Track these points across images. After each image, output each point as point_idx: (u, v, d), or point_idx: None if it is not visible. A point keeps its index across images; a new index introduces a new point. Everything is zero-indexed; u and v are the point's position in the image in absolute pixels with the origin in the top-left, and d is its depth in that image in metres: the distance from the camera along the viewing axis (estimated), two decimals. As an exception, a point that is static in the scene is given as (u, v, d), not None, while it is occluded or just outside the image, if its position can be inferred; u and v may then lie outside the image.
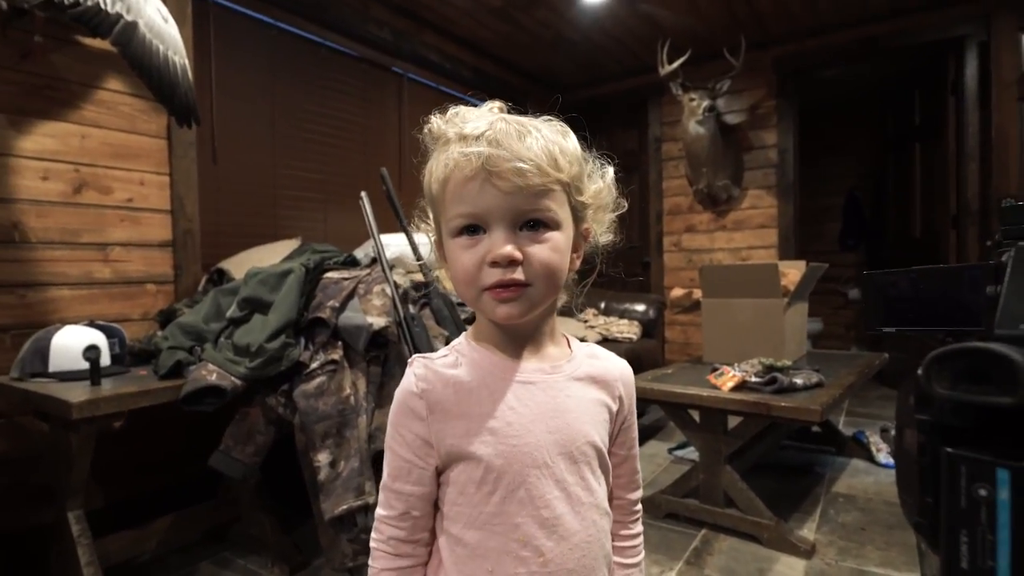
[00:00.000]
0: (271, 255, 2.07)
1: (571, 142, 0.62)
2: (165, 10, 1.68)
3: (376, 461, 1.44)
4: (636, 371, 2.43)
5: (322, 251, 1.80)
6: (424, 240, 2.55)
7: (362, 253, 1.98)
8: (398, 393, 0.63)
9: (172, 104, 1.69)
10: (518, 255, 0.56)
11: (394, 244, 1.99)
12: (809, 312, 2.73)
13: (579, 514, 0.62)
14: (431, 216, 0.64)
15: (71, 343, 1.53)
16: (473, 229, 0.58)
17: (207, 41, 2.31)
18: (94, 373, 1.42)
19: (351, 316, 1.46)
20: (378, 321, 1.46)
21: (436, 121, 0.61)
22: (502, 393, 0.62)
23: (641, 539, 0.74)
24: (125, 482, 1.94)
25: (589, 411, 0.64)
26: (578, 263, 0.65)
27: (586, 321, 3.18)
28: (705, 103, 3.39)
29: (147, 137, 2.07)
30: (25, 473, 1.73)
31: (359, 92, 2.97)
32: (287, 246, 2.19)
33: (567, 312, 3.38)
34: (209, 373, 1.42)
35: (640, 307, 3.31)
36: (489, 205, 0.56)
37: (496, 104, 0.63)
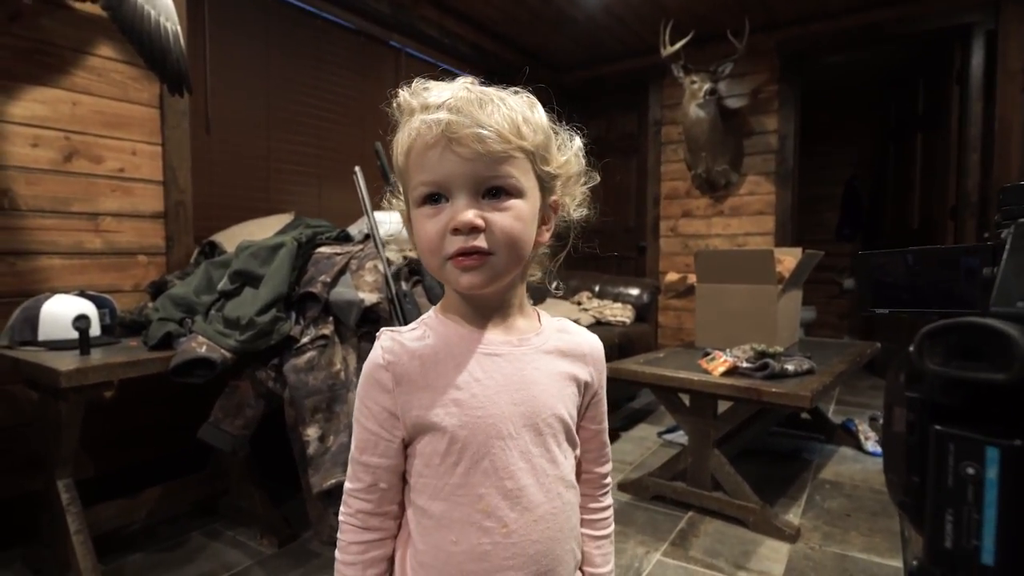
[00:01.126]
0: (264, 229, 2.05)
1: (537, 112, 0.61)
2: (157, -26, 1.64)
3: (366, 437, 1.44)
4: (628, 355, 2.44)
5: (315, 226, 1.78)
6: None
7: (356, 229, 1.97)
8: (365, 366, 0.64)
9: (163, 71, 1.66)
10: (479, 222, 0.56)
11: (388, 221, 1.97)
12: (803, 300, 2.73)
13: (544, 486, 0.62)
14: (402, 190, 0.64)
15: (61, 312, 1.52)
16: (436, 198, 0.58)
17: (201, 9, 2.26)
18: (83, 343, 1.41)
19: (342, 291, 1.45)
20: (370, 297, 1.45)
21: (403, 94, 0.60)
22: (467, 365, 0.62)
23: (611, 512, 0.75)
24: (115, 452, 1.94)
25: (556, 384, 0.64)
26: (547, 235, 0.64)
27: (579, 304, 3.17)
28: (706, 86, 3.35)
29: (139, 106, 2.03)
30: (16, 441, 1.72)
31: (355, 66, 2.92)
32: (280, 220, 2.17)
33: (565, 296, 3.35)
34: (199, 345, 1.41)
35: (634, 291, 3.30)
36: (450, 172, 0.56)
37: (469, 79, 0.61)
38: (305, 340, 1.41)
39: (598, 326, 2.92)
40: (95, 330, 1.55)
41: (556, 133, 0.64)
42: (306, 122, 2.71)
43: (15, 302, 1.65)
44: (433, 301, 1.62)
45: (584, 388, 0.67)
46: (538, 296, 3.22)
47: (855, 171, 5.06)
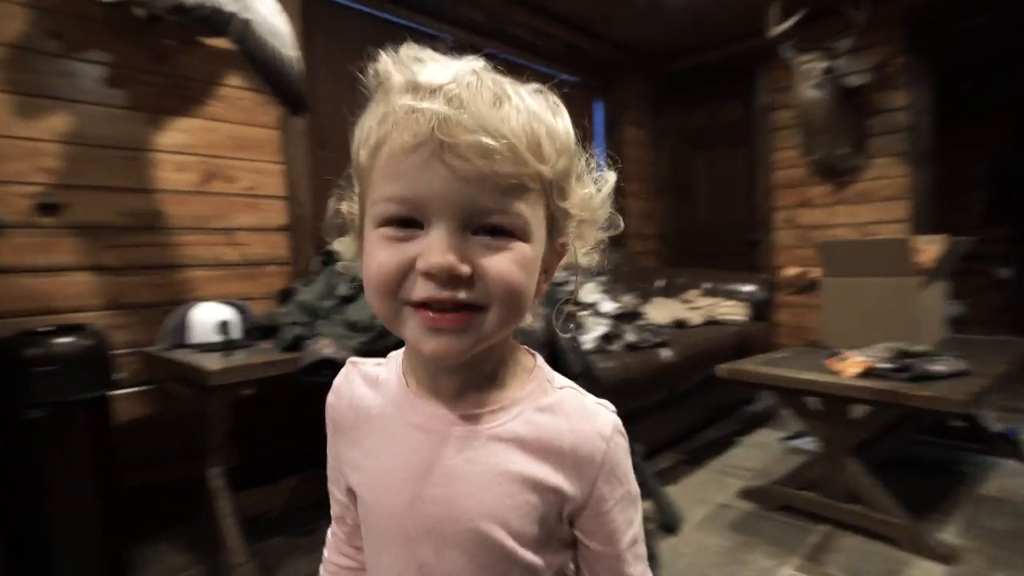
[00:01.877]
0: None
1: (562, 122, 0.45)
2: (276, 6, 1.77)
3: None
4: (745, 355, 2.30)
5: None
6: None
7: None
8: None
9: (284, 96, 1.78)
10: (464, 269, 0.40)
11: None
12: (949, 294, 2.44)
13: None
14: (356, 190, 0.47)
15: (206, 318, 1.68)
16: (405, 222, 0.42)
17: (311, 34, 2.42)
18: (226, 345, 1.55)
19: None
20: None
21: (385, 59, 0.44)
22: (387, 431, 0.49)
23: None
24: (258, 444, 2.11)
25: (497, 486, 0.46)
26: (545, 287, 0.48)
27: (688, 302, 3.04)
28: (822, 65, 3.10)
29: (264, 128, 2.21)
30: (174, 432, 1.92)
31: (457, 75, 3.00)
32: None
33: (667, 292, 3.23)
34: (324, 347, 1.50)
35: (748, 287, 3.12)
36: (434, 190, 0.40)
37: (481, 63, 0.44)
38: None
39: (711, 325, 2.78)
40: (235, 333, 1.70)
41: (579, 155, 0.48)
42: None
43: (167, 310, 1.85)
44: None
45: (561, 499, 0.47)
46: (645, 294, 3.13)
47: (1006, 146, 4.46)
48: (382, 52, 0.45)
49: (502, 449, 0.47)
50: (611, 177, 0.51)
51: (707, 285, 3.22)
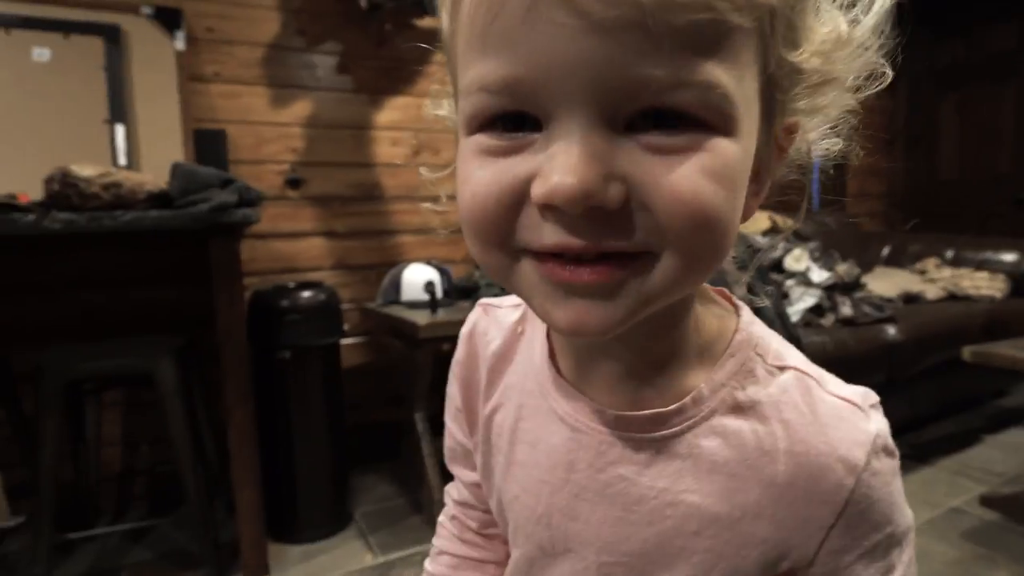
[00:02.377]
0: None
1: None
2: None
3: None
4: (998, 337, 1.90)
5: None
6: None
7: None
8: None
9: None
10: (612, 195, 0.24)
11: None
12: None
13: None
14: (451, 83, 0.32)
15: (415, 278, 1.86)
16: (513, 119, 0.26)
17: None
18: (432, 303, 1.71)
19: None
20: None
21: None
22: (530, 413, 0.37)
23: None
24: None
25: (663, 522, 0.32)
26: (760, 200, 0.32)
27: (923, 272, 2.59)
28: None
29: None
30: (386, 380, 2.19)
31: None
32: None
33: (894, 261, 2.80)
34: (517, 308, 1.57)
35: (1009, 256, 2.55)
36: (555, 57, 0.23)
37: None
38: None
39: (952, 301, 2.34)
40: (439, 293, 1.86)
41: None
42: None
43: (383, 271, 2.08)
44: (741, 268, 1.50)
45: (770, 551, 0.32)
46: (865, 263, 2.74)
47: None
48: None
49: (676, 470, 0.32)
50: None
51: (949, 253, 2.71)
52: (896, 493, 0.33)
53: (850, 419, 0.33)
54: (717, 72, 0.24)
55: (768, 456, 0.32)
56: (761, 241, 2.10)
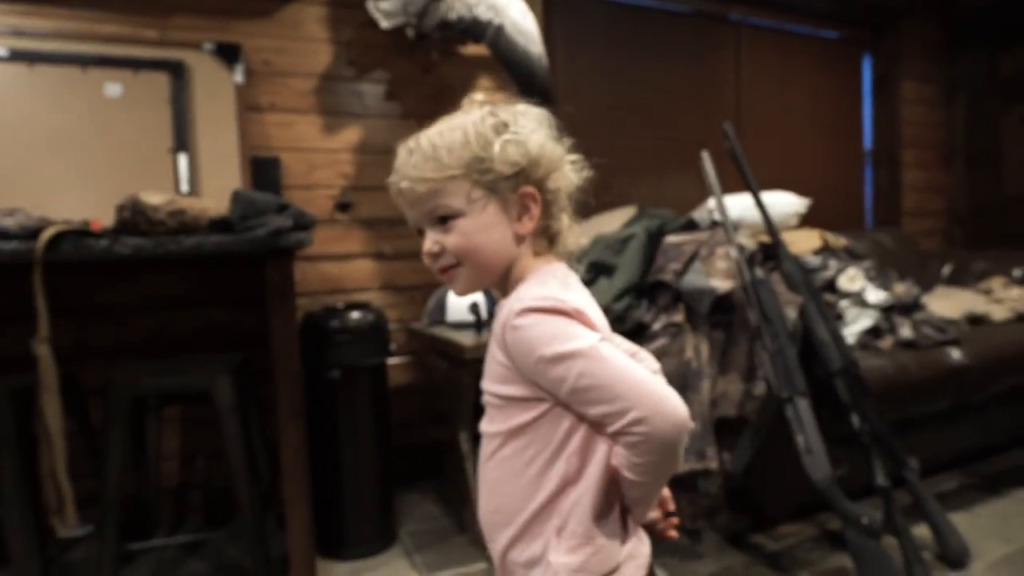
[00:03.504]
0: (610, 223, 2.17)
1: (467, 133, 0.64)
2: (525, 7, 1.88)
3: (718, 427, 1.38)
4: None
5: (660, 216, 1.80)
6: (773, 199, 2.32)
7: (698, 216, 1.91)
8: None
9: (532, 90, 1.89)
10: (435, 248, 0.66)
11: (735, 205, 1.86)
12: None
13: (480, 459, 0.70)
14: None
15: (460, 300, 1.88)
16: (419, 231, 0.69)
17: (553, 27, 2.52)
18: (478, 323, 1.72)
19: (693, 279, 1.42)
20: (722, 285, 1.39)
21: None
22: None
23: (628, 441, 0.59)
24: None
25: (491, 359, 0.67)
26: (531, 225, 0.66)
27: (989, 292, 2.46)
28: None
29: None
30: (431, 399, 2.21)
31: (692, 50, 2.85)
32: (625, 213, 2.26)
33: (957, 280, 2.68)
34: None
35: (1085, 276, 2.40)
36: (410, 217, 0.68)
37: (476, 98, 0.73)
38: (657, 327, 1.43)
39: (1021, 322, 2.21)
40: (483, 315, 1.87)
41: (495, 136, 0.65)
42: (645, 116, 2.77)
43: (428, 291, 2.12)
44: (793, 288, 1.46)
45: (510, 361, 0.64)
46: (925, 283, 2.63)
47: None
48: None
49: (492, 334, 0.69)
50: (522, 134, 0.66)
51: (1016, 272, 2.57)
52: (533, 328, 0.60)
53: (517, 300, 0.63)
54: (446, 200, 0.65)
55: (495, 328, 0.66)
56: (812, 261, 2.04)
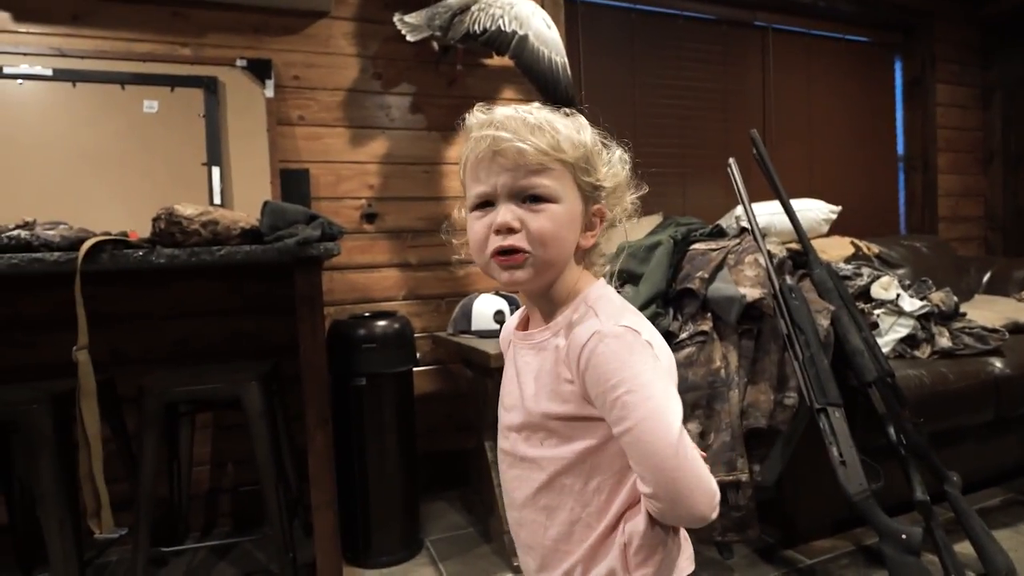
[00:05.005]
0: (636, 231, 2.15)
1: (583, 133, 0.66)
2: (548, 17, 1.89)
3: (748, 437, 1.36)
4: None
5: (686, 223, 1.78)
6: (802, 206, 2.28)
7: (726, 223, 1.89)
8: None
9: (555, 99, 1.90)
10: (516, 224, 0.62)
11: (763, 212, 1.83)
12: None
13: (522, 482, 0.68)
14: (465, 197, 0.70)
15: (485, 308, 1.89)
16: (484, 203, 0.64)
17: (576, 36, 2.53)
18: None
19: (721, 287, 1.40)
20: (751, 292, 1.36)
21: (467, 116, 0.67)
22: (509, 349, 0.75)
23: (629, 540, 0.62)
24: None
25: (542, 376, 0.66)
26: (592, 240, 0.67)
27: (1022, 299, 2.37)
28: None
29: (532, 133, 2.38)
30: (456, 407, 2.22)
31: (717, 56, 2.83)
32: (650, 222, 2.24)
33: (997, 288, 2.59)
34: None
35: None
36: (495, 181, 0.62)
37: (537, 104, 0.68)
38: (683, 336, 1.42)
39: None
40: (508, 323, 1.88)
41: (604, 150, 0.68)
42: (671, 123, 2.76)
43: (453, 300, 2.13)
44: (824, 295, 1.43)
45: (577, 385, 0.63)
46: (963, 291, 2.55)
47: None
48: (467, 113, 0.67)
49: (534, 353, 0.69)
50: (619, 152, 0.70)
51: (1061, 280, 2.47)
52: (612, 359, 0.59)
53: (590, 325, 0.62)
54: (548, 182, 0.63)
55: (570, 339, 0.63)
56: (845, 269, 2.00)
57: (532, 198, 0.62)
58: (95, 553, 1.65)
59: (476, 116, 0.66)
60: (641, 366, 0.58)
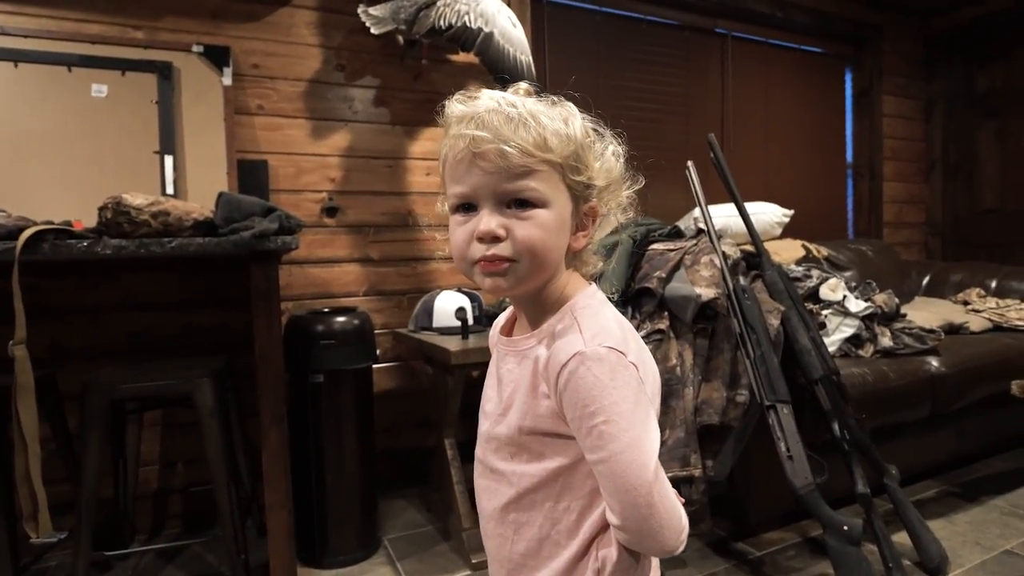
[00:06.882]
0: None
1: (571, 125, 0.60)
2: (514, 16, 1.89)
3: (701, 434, 1.39)
4: (1053, 372, 1.82)
5: (646, 224, 1.81)
6: (756, 209, 2.36)
7: (684, 225, 1.93)
8: None
9: (517, 97, 1.90)
10: (500, 232, 0.57)
11: (720, 214, 1.88)
12: None
13: (492, 494, 0.66)
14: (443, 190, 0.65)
15: (447, 305, 1.88)
16: (466, 207, 0.59)
17: (542, 35, 2.54)
18: (464, 329, 1.72)
19: (678, 287, 1.43)
20: (706, 292, 1.40)
21: (448, 103, 0.61)
22: (494, 351, 0.71)
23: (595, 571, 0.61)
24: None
25: (519, 388, 0.63)
26: (584, 241, 0.63)
27: (967, 303, 2.51)
28: None
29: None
30: (416, 404, 2.20)
31: (679, 61, 2.89)
32: (610, 221, 2.27)
33: (935, 291, 2.73)
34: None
35: (1058, 288, 2.46)
36: (476, 184, 0.57)
37: (523, 87, 0.62)
38: (641, 334, 1.44)
39: (998, 332, 2.26)
40: (470, 320, 1.87)
41: (595, 141, 0.63)
42: (633, 125, 2.79)
43: (415, 297, 2.11)
44: (775, 296, 1.48)
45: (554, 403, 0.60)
46: (904, 293, 2.68)
47: None
48: (448, 98, 0.61)
49: (517, 362, 0.65)
50: (613, 146, 0.65)
51: (992, 283, 2.62)
52: (592, 384, 0.56)
53: (571, 343, 0.58)
54: (535, 185, 0.57)
55: (550, 352, 0.60)
56: (795, 270, 2.07)
57: (517, 203, 0.57)
58: (32, 558, 1.58)
59: (455, 108, 0.59)
60: (622, 393, 0.55)
